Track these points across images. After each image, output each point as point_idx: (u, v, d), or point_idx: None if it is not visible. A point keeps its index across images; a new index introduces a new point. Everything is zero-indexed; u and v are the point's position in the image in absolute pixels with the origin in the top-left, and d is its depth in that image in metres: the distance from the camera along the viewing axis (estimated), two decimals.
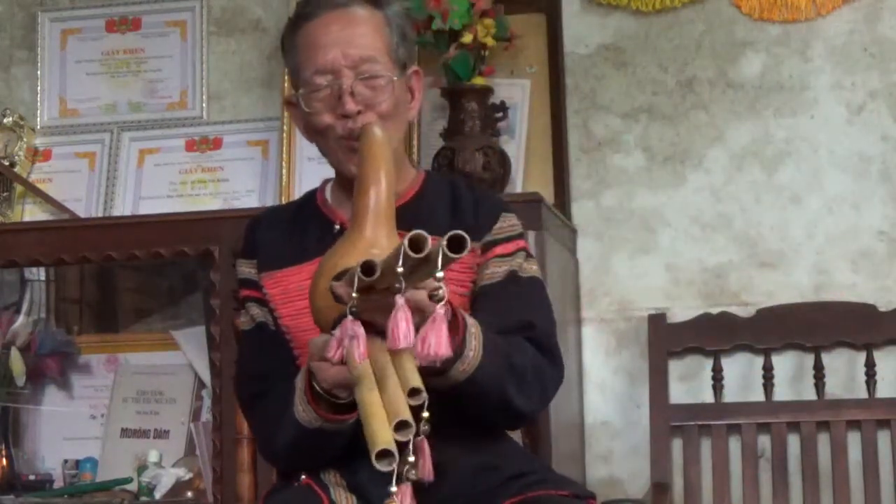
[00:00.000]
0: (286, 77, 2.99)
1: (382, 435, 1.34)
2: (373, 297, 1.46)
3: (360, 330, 1.42)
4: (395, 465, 1.33)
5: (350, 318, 1.43)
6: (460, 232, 1.26)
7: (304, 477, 1.74)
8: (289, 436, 1.67)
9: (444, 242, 1.24)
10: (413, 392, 1.41)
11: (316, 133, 1.80)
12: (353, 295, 1.41)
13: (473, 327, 1.59)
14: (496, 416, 1.71)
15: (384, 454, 1.32)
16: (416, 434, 1.41)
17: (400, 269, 1.31)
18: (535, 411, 1.78)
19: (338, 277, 1.53)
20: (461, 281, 1.76)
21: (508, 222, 1.84)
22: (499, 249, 1.81)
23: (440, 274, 1.31)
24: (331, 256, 1.63)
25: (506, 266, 1.79)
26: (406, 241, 1.25)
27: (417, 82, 1.85)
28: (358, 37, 1.76)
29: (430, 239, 1.29)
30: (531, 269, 1.81)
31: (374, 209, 1.64)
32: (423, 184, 1.86)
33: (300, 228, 1.84)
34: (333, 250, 1.64)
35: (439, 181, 1.89)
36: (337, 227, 1.81)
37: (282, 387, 1.71)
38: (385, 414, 1.39)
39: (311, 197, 1.90)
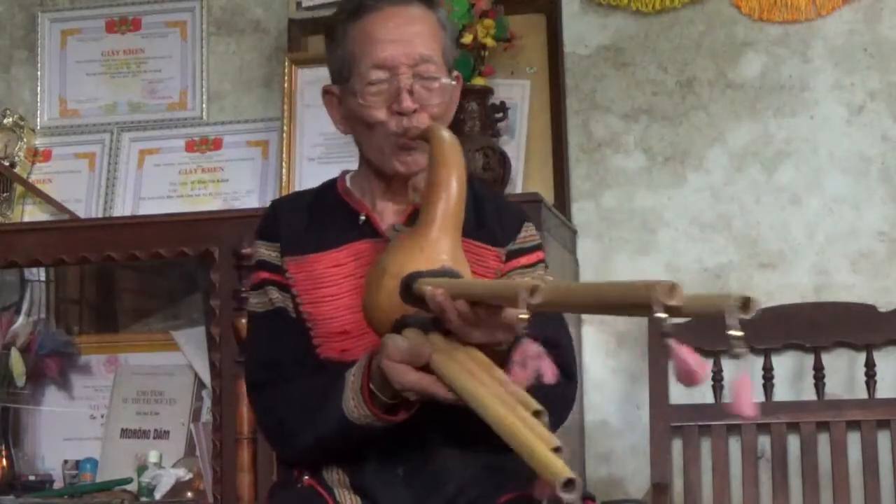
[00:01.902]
0: (287, 76, 3.00)
1: (558, 463, 1.27)
2: (478, 310, 1.45)
3: (543, 350, 1.37)
4: (579, 493, 1.24)
5: (530, 340, 1.36)
6: (753, 297, 1.14)
7: (307, 478, 1.74)
8: (327, 430, 1.65)
9: (737, 303, 1.13)
10: (537, 414, 1.37)
11: (363, 125, 1.77)
12: (523, 316, 1.32)
13: None
14: None
15: (569, 482, 1.24)
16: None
17: (735, 333, 1.13)
18: (556, 429, 1.80)
19: (408, 281, 1.52)
20: None
21: (530, 232, 1.85)
22: (523, 260, 1.82)
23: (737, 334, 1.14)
24: (395, 257, 1.61)
25: (528, 278, 1.80)
26: (737, 301, 1.13)
27: (457, 88, 1.84)
28: (418, 36, 1.75)
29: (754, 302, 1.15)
30: (548, 281, 1.83)
31: (443, 214, 1.63)
32: None
33: (322, 216, 1.83)
34: (396, 250, 1.62)
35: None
36: (362, 218, 1.80)
37: (305, 376, 1.70)
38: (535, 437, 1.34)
39: (331, 186, 1.88)
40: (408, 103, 1.72)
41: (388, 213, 1.81)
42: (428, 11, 1.79)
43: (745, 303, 1.12)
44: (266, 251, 1.82)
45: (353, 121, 1.80)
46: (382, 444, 1.68)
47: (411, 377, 1.53)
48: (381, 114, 1.74)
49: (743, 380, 1.17)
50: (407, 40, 1.74)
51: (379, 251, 1.75)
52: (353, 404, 1.61)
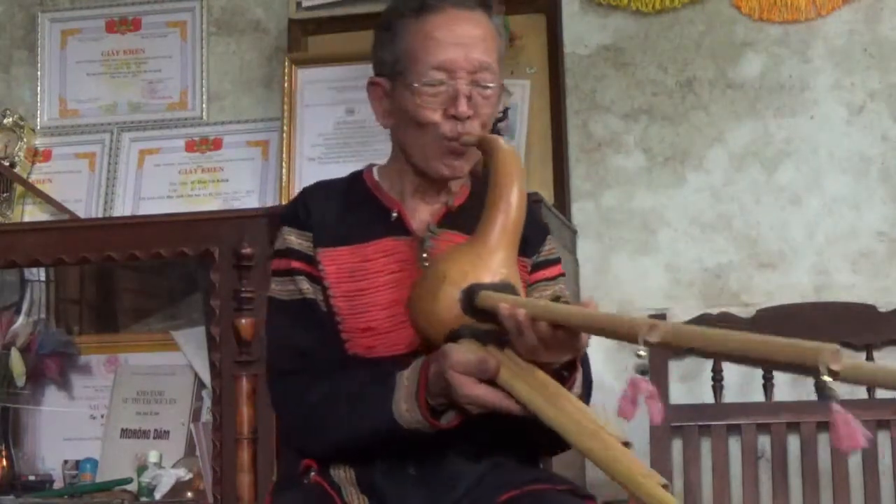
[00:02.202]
0: (287, 76, 2.99)
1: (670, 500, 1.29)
2: (558, 334, 1.46)
3: (656, 390, 1.38)
4: None
5: (643, 377, 1.37)
6: None
7: (313, 474, 1.73)
8: (368, 429, 1.64)
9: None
10: (627, 445, 1.38)
11: (412, 124, 1.76)
12: (641, 353, 1.33)
13: (578, 371, 1.62)
14: (557, 444, 1.73)
15: None
16: None
17: None
18: None
19: (471, 292, 1.54)
20: None
21: (551, 245, 1.87)
22: (546, 273, 1.84)
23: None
24: (456, 265, 1.61)
25: (549, 292, 1.82)
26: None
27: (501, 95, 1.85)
28: (479, 42, 1.75)
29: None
30: (566, 294, 1.85)
31: (503, 226, 1.64)
32: (472, 185, 1.87)
33: (351, 209, 1.82)
34: (455, 258, 1.62)
35: (486, 185, 1.90)
36: (394, 215, 1.79)
37: (342, 372, 1.70)
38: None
39: (358, 179, 1.87)
40: (464, 108, 1.72)
41: (419, 212, 1.81)
42: (488, 18, 1.78)
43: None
44: (296, 239, 1.79)
45: (400, 116, 1.78)
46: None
47: (479, 391, 1.53)
48: (435, 115, 1.73)
49: (843, 418, 1.15)
50: (469, 45, 1.74)
51: (410, 249, 1.76)
52: (406, 408, 1.60)
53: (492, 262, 1.60)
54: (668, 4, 2.92)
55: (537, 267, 1.81)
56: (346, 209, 1.82)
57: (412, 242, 1.78)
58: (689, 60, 2.92)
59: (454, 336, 1.57)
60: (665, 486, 1.32)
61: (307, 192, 1.86)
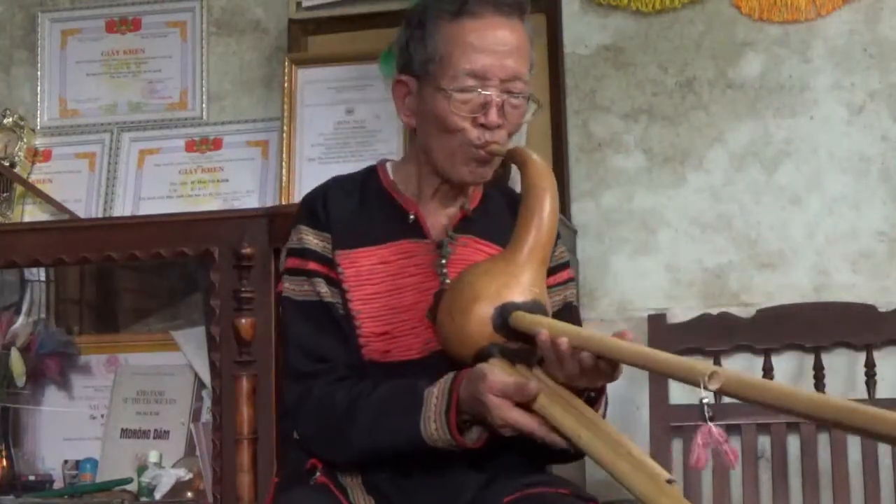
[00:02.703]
0: (287, 76, 2.99)
1: None
2: (599, 363, 1.47)
3: (726, 434, 1.40)
4: None
5: (713, 425, 1.39)
6: None
7: (318, 474, 1.72)
8: (391, 442, 1.64)
9: None
10: (670, 482, 1.38)
11: (439, 127, 1.74)
12: (706, 400, 1.34)
13: (605, 393, 1.64)
14: (572, 456, 1.73)
15: None
16: None
17: None
18: None
19: (504, 311, 1.54)
20: None
21: (560, 249, 1.87)
22: (557, 277, 1.84)
23: None
24: (486, 281, 1.60)
25: (560, 297, 1.83)
26: None
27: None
28: (515, 50, 1.73)
29: None
30: (574, 297, 1.85)
31: (535, 240, 1.65)
32: (484, 187, 1.87)
33: (368, 206, 1.81)
34: (487, 274, 1.62)
35: (496, 188, 1.90)
36: (411, 217, 1.79)
37: (363, 381, 1.69)
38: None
39: (373, 177, 1.85)
40: (494, 118, 1.71)
41: (434, 216, 1.80)
42: (522, 26, 1.76)
43: None
44: (315, 240, 1.78)
45: (425, 118, 1.77)
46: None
47: (515, 415, 1.53)
48: (464, 122, 1.72)
49: None
50: (504, 53, 1.72)
51: (428, 254, 1.75)
52: (435, 427, 1.60)
53: (523, 279, 1.60)
54: (668, 4, 2.92)
55: (550, 272, 1.79)
56: (363, 206, 1.80)
57: (429, 246, 1.77)
58: (689, 60, 2.92)
59: (483, 354, 1.57)
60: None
61: (324, 192, 1.83)
